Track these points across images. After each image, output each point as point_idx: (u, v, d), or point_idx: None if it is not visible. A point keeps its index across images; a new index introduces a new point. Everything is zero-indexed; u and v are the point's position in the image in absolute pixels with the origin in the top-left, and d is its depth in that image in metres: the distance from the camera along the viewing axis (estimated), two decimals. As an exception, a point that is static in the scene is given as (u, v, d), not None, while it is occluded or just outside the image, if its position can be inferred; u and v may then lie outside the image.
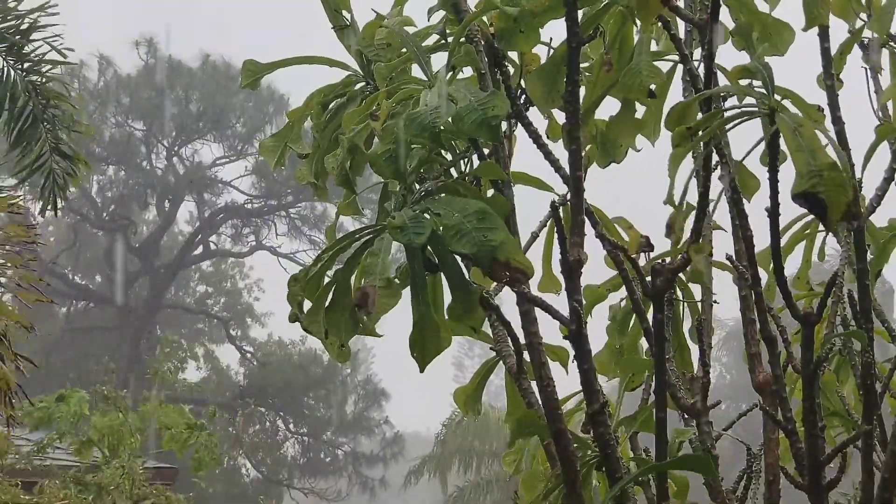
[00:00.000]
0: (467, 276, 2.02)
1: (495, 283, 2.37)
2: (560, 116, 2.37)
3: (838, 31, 2.68)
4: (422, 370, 2.01)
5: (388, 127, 1.99)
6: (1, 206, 6.56)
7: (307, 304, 2.07)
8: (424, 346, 1.98)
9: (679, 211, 1.96)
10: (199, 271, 40.15)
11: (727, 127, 2.07)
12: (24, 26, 9.32)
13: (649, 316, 2.26)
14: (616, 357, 2.67)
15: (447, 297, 2.04)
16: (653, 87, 2.23)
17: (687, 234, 2.18)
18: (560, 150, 2.28)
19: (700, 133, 2.03)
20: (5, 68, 9.36)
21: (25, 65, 9.40)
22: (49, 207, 9.37)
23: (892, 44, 2.84)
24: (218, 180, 38.77)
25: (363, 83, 2.46)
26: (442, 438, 27.70)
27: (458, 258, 1.98)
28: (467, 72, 2.33)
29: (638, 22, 2.28)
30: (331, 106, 2.49)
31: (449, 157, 2.22)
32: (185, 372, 38.62)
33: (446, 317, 2.02)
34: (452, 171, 2.21)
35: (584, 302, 2.25)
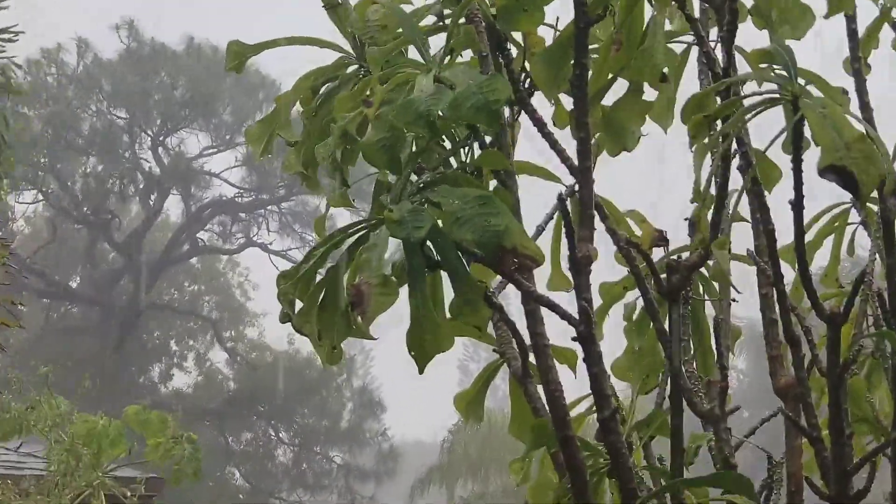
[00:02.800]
0: (469, 271, 2.01)
1: (499, 281, 2.37)
2: (567, 102, 2.36)
3: (867, 11, 2.67)
4: (421, 370, 2.00)
5: (383, 114, 1.98)
6: None
7: (299, 304, 2.07)
8: (423, 344, 1.97)
9: (705, 207, 1.95)
10: (186, 269, 40.16)
11: (748, 116, 2.06)
12: None
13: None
14: (636, 361, 2.66)
15: (447, 296, 2.03)
16: (666, 70, 2.22)
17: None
18: (566, 139, 2.28)
19: (719, 122, 2.02)
20: None
21: None
22: None
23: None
24: (205, 172, 38.77)
25: (356, 66, 2.45)
26: (449, 446, 27.66)
27: (460, 252, 1.97)
28: (466, 57, 2.32)
29: (650, 0, 2.27)
30: (322, 90, 2.48)
31: (447, 146, 2.21)
32: (172, 378, 38.80)
33: (448, 315, 2.02)
34: (452, 161, 2.20)
35: (596, 301, 2.25)
